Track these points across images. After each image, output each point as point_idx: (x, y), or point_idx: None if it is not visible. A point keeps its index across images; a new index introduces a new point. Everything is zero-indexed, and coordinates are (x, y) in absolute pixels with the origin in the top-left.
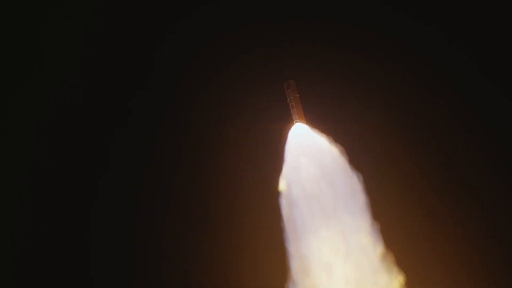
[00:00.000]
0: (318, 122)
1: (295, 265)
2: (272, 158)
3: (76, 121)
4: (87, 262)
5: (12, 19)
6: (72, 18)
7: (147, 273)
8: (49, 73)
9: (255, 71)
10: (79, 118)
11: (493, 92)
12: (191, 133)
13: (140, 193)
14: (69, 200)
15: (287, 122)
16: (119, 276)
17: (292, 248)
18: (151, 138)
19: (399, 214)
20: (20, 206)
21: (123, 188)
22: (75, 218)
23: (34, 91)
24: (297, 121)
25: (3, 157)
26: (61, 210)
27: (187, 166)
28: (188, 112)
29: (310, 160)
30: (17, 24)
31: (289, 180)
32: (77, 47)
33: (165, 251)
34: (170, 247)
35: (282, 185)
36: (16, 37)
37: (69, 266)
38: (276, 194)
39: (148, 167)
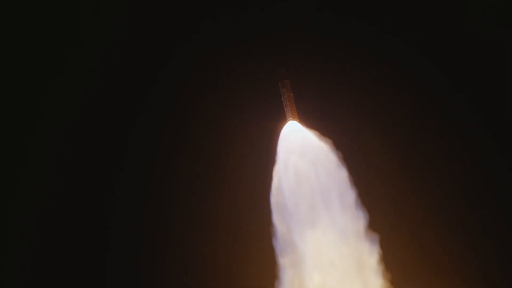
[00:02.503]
0: (311, 120)
1: (284, 263)
2: (266, 154)
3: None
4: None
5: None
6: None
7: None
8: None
9: (252, 71)
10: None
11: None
12: (188, 131)
13: (137, 192)
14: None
15: (281, 121)
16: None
17: (282, 245)
18: (147, 139)
19: (391, 212)
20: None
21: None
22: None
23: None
24: (291, 119)
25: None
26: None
27: (183, 163)
28: (185, 110)
29: (302, 157)
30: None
31: (280, 177)
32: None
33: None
34: (164, 245)
35: (274, 182)
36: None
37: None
38: (268, 191)
39: (146, 168)
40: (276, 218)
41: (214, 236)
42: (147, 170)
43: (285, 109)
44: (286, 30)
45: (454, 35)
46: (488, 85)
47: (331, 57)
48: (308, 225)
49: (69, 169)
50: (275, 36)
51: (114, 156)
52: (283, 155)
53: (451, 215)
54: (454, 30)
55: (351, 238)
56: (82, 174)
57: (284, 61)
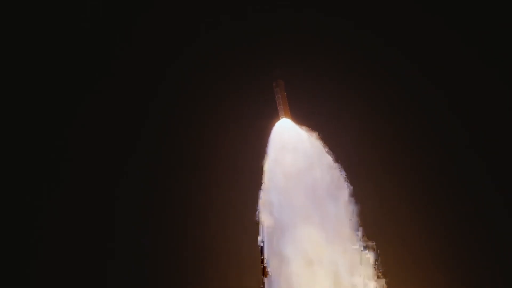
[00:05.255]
0: (304, 119)
1: (272, 261)
2: (259, 151)
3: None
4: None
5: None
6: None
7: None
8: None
9: (248, 71)
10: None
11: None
12: (186, 129)
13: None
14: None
15: (275, 119)
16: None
17: (270, 244)
18: (146, 138)
19: (383, 209)
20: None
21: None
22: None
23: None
24: (283, 117)
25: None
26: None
27: (178, 160)
28: (184, 109)
29: (292, 153)
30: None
31: (270, 173)
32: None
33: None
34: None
35: (264, 177)
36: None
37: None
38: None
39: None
40: (264, 216)
41: (204, 233)
42: (146, 169)
43: (278, 108)
44: (281, 32)
45: (446, 39)
46: (478, 87)
47: (325, 58)
48: (298, 223)
49: (74, 170)
50: (271, 38)
51: (113, 155)
52: (274, 151)
53: (446, 214)
54: (446, 34)
55: (343, 237)
56: (83, 175)
57: (279, 62)
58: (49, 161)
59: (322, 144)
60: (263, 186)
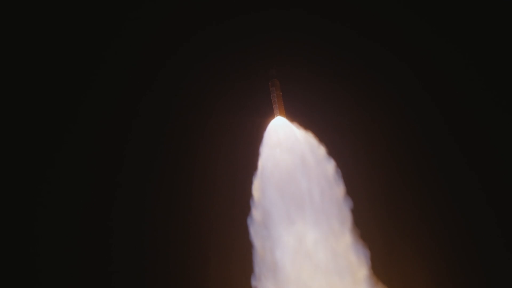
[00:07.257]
0: (299, 117)
1: (263, 258)
2: (253, 148)
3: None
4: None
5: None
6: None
7: None
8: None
9: (245, 71)
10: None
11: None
12: (185, 127)
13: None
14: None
15: (270, 117)
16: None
17: (261, 241)
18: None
19: (376, 208)
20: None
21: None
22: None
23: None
24: (278, 116)
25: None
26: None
27: (175, 157)
28: (184, 107)
29: (286, 150)
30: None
31: (264, 170)
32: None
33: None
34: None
35: (258, 174)
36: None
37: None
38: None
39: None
40: (256, 214)
41: (192, 230)
42: (146, 169)
43: (274, 106)
44: (277, 33)
45: (443, 41)
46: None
47: (321, 59)
48: (289, 221)
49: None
50: (268, 38)
51: (113, 154)
52: (269, 148)
53: (441, 213)
54: (443, 36)
55: (335, 234)
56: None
57: (275, 62)
58: (49, 161)
59: (316, 141)
60: (257, 182)
